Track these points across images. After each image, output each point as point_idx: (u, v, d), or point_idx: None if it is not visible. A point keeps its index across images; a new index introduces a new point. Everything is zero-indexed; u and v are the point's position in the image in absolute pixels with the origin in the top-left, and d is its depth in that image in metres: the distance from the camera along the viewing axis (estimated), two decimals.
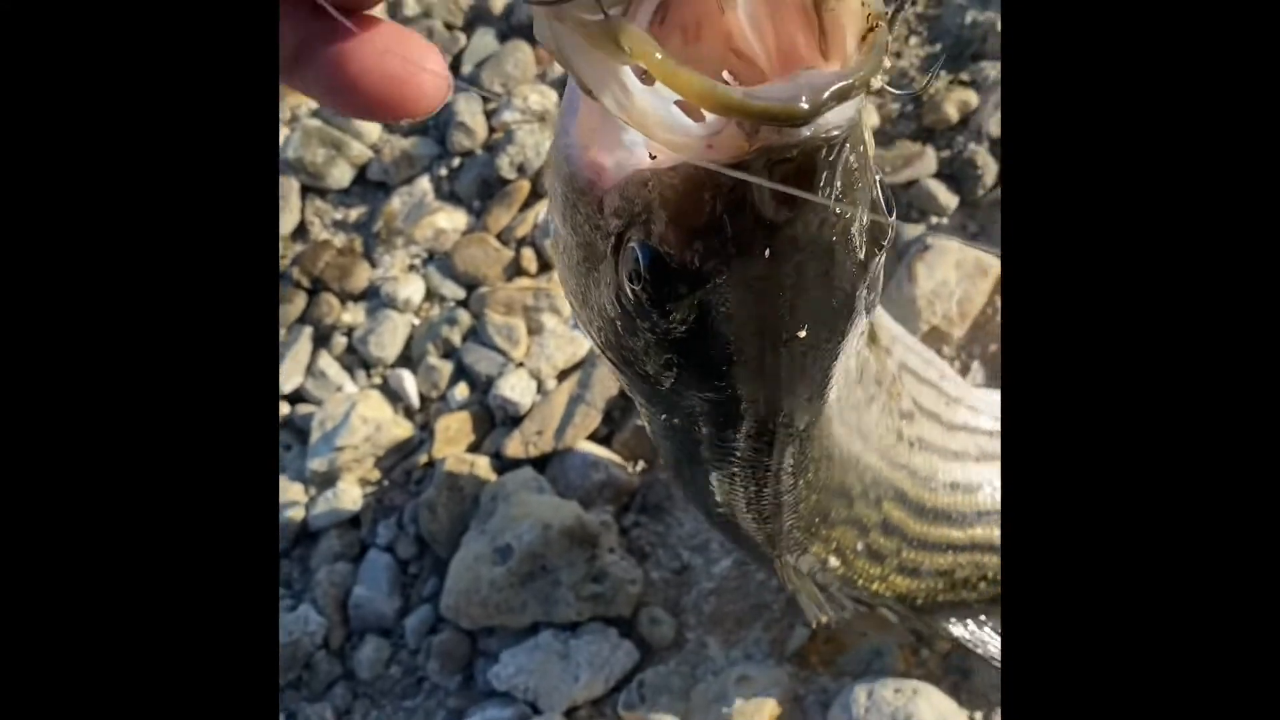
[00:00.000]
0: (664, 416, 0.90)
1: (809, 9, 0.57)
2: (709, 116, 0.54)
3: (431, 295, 1.65)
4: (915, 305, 1.39)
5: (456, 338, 1.59)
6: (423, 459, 1.52)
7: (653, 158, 0.59)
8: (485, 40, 1.80)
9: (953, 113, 1.53)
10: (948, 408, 1.15)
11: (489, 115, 1.75)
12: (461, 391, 1.55)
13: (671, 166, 0.58)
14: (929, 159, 1.52)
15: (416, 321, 1.65)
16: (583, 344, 1.55)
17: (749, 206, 0.59)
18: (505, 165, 1.66)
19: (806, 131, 0.54)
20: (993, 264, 1.40)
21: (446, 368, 1.57)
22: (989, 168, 1.48)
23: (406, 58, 0.51)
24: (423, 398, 1.58)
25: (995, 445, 1.16)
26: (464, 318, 1.60)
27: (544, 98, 1.72)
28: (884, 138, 1.56)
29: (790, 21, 0.57)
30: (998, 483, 1.16)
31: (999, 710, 1.18)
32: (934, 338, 1.40)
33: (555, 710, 1.30)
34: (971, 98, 1.53)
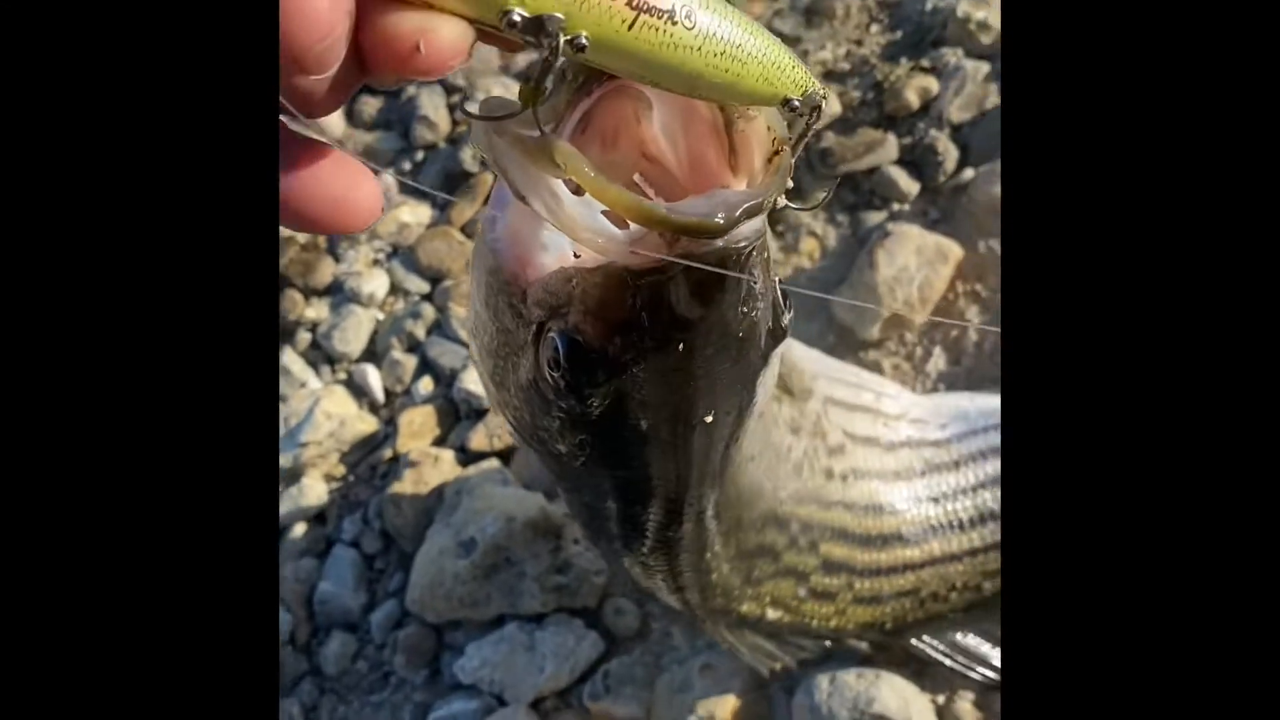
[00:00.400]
0: (576, 493, 0.95)
1: (719, 127, 0.63)
2: (633, 225, 0.59)
3: (395, 289, 1.65)
4: (876, 292, 1.39)
5: (420, 331, 1.58)
6: (387, 453, 1.51)
7: (576, 256, 0.64)
8: None
9: (914, 99, 1.53)
10: (886, 428, 1.15)
11: (451, 109, 1.74)
12: (426, 385, 1.54)
13: (595, 266, 0.63)
14: (890, 146, 1.52)
15: (381, 316, 1.64)
16: None
17: (666, 305, 0.64)
18: (468, 158, 1.66)
19: (720, 242, 0.60)
20: (952, 249, 1.40)
21: (411, 362, 1.57)
22: (949, 154, 1.48)
23: (347, 185, 0.53)
24: (387, 392, 1.57)
25: (946, 453, 1.16)
26: (428, 311, 1.60)
27: (507, 90, 1.71)
28: (845, 125, 1.56)
29: (701, 136, 0.64)
30: (950, 492, 1.16)
31: (960, 695, 1.18)
32: (895, 323, 1.40)
33: (521, 702, 1.29)
34: (932, 84, 1.53)
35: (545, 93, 0.54)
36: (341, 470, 1.53)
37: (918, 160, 1.50)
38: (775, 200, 0.61)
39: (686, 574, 1.01)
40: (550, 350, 0.69)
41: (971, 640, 1.19)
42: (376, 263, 1.67)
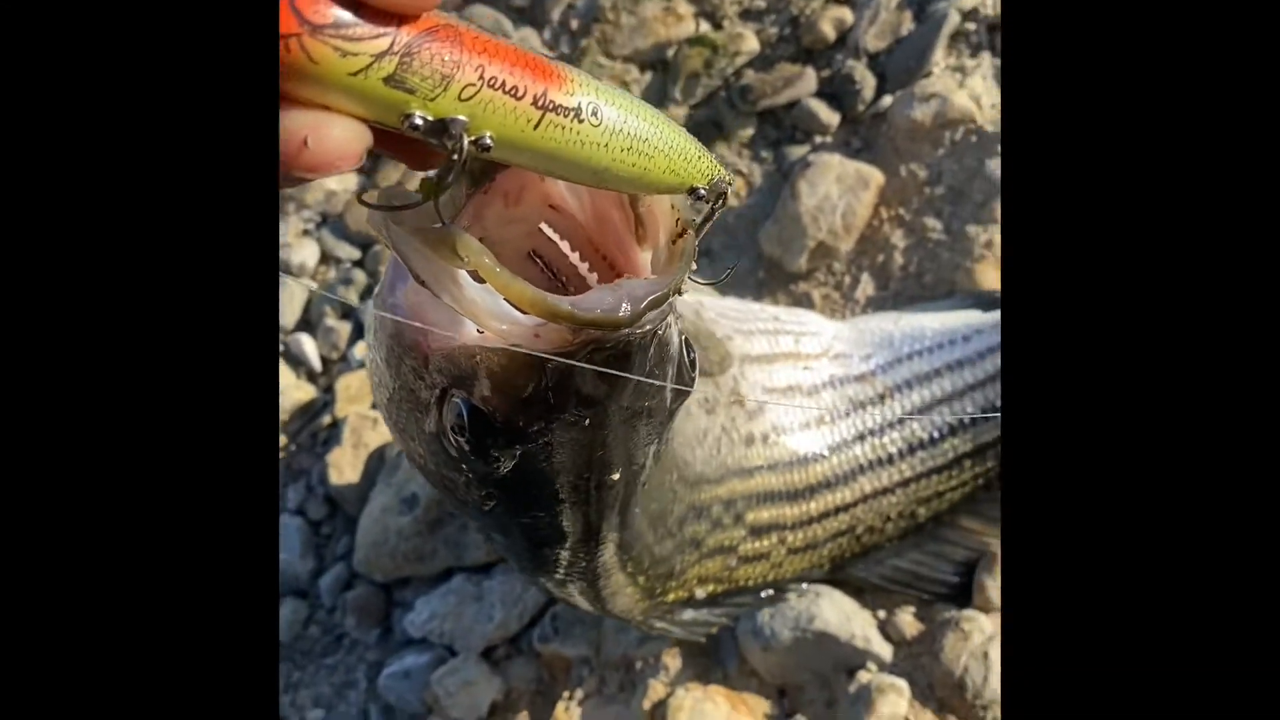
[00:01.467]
0: (483, 530, 0.97)
1: (624, 202, 0.66)
2: None
3: (326, 258, 1.64)
4: (800, 223, 1.39)
5: (354, 297, 1.58)
6: (327, 420, 1.51)
7: (480, 331, 0.64)
8: None
9: (829, 31, 1.53)
10: (808, 371, 1.14)
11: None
12: (361, 350, 1.54)
13: (500, 347, 0.63)
14: (809, 79, 1.52)
15: (314, 285, 1.63)
16: None
17: (571, 385, 0.65)
18: None
19: (624, 331, 0.62)
20: (873, 174, 1.41)
21: (345, 328, 1.56)
22: (867, 82, 1.48)
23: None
24: (324, 360, 1.57)
25: (871, 387, 1.15)
26: (360, 277, 1.59)
27: None
28: (764, 62, 1.56)
29: (606, 198, 0.67)
30: (876, 427, 1.15)
31: (901, 609, 1.20)
32: (821, 253, 1.41)
33: (473, 650, 1.30)
34: (847, 15, 1.54)
35: (447, 187, 0.53)
36: (283, 440, 1.53)
37: (836, 91, 1.51)
38: (680, 287, 0.62)
39: (603, 594, 1.01)
40: (454, 416, 0.70)
41: (908, 563, 1.20)
42: (306, 233, 1.66)
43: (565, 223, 0.73)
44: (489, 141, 0.50)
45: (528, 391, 0.66)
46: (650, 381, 0.68)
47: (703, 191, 0.59)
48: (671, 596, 1.09)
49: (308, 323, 1.60)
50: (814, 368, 1.15)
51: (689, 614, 1.14)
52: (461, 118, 0.48)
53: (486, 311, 0.61)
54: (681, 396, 0.76)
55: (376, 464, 1.44)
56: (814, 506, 1.11)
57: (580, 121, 0.52)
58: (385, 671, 1.32)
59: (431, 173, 0.55)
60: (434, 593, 1.34)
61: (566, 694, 1.26)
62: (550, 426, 0.69)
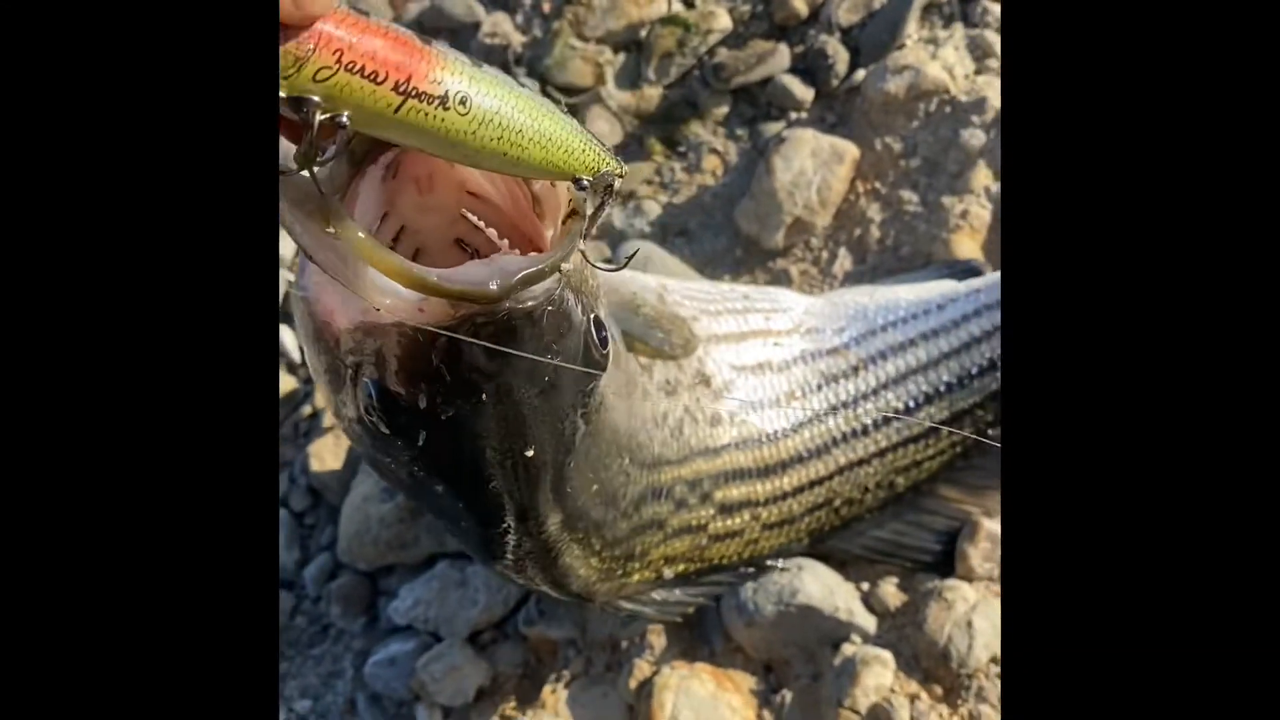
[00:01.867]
0: (431, 513, 0.98)
1: (521, 181, 0.69)
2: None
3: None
4: (776, 199, 1.39)
5: None
6: (307, 410, 1.50)
7: (377, 310, 0.65)
8: None
9: (802, 7, 1.53)
10: (779, 348, 1.14)
11: None
12: None
13: (391, 324, 0.65)
14: (782, 55, 1.51)
15: (291, 276, 1.62)
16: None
17: (464, 360, 0.67)
18: None
19: (505, 303, 0.64)
20: (848, 149, 1.40)
21: None
22: (840, 57, 1.48)
23: None
24: (302, 350, 1.56)
25: (844, 360, 1.15)
26: None
27: None
28: (737, 39, 1.55)
29: (508, 179, 0.70)
30: (849, 399, 1.14)
31: (885, 580, 1.20)
32: (798, 229, 1.40)
33: (457, 636, 1.29)
34: None
35: (320, 155, 0.57)
36: None
37: (810, 67, 1.50)
38: (560, 265, 0.65)
39: (558, 576, 1.01)
40: (365, 396, 0.72)
41: (889, 533, 1.20)
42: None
43: (487, 208, 0.75)
44: (345, 120, 0.54)
45: (423, 367, 0.67)
46: (543, 360, 0.70)
47: (585, 183, 0.63)
48: (636, 577, 1.09)
49: (286, 314, 1.60)
50: (784, 343, 1.14)
51: (660, 594, 1.14)
52: (313, 97, 0.53)
53: (372, 285, 0.62)
54: (592, 375, 0.78)
55: (358, 452, 1.43)
56: (787, 481, 1.11)
57: (445, 109, 0.56)
58: (371, 660, 1.32)
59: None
60: (418, 580, 1.33)
61: (553, 676, 1.26)
62: (452, 402, 0.70)
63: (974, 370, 1.15)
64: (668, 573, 1.11)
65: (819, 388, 1.15)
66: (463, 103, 0.56)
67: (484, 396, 0.70)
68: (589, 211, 0.65)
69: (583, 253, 0.69)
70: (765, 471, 1.11)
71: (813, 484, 1.13)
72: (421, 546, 1.34)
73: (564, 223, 0.68)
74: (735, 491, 1.10)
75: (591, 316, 0.76)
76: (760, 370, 1.14)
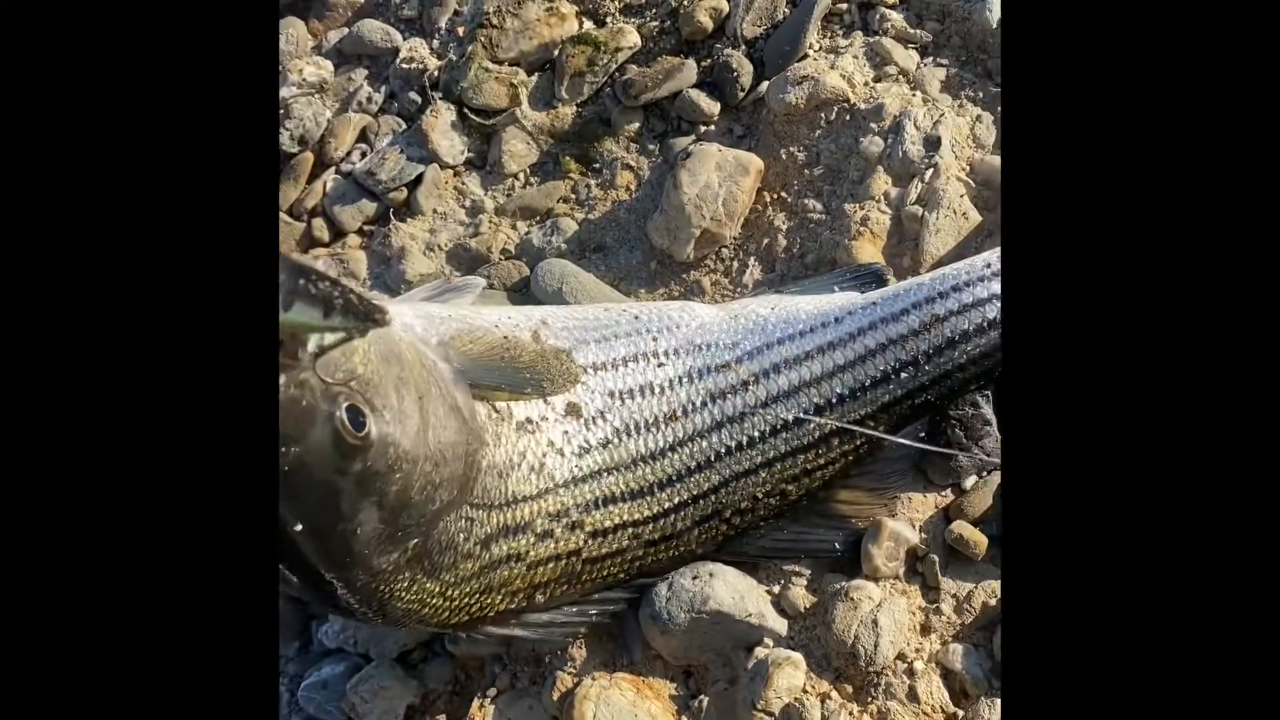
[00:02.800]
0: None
1: None
2: None
3: None
4: (685, 212, 1.42)
5: None
6: None
7: None
8: None
9: (707, 21, 1.55)
10: (660, 369, 1.17)
11: None
12: None
13: None
14: (689, 70, 1.54)
15: None
16: None
17: None
18: (286, 139, 1.66)
19: None
20: (752, 160, 1.43)
21: None
22: (745, 69, 1.51)
23: None
24: None
25: (734, 374, 1.17)
26: None
27: (319, 68, 1.71)
28: (645, 55, 1.58)
29: None
30: (735, 414, 1.17)
31: (793, 581, 1.23)
32: (707, 241, 1.43)
33: (386, 656, 1.32)
34: (723, 4, 1.56)
35: None
36: None
37: (717, 80, 1.53)
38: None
39: (400, 616, 1.07)
40: None
41: (789, 535, 1.22)
42: None
43: None
44: None
45: None
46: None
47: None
48: (501, 605, 1.12)
49: None
50: (668, 363, 1.17)
51: (545, 616, 1.16)
52: None
53: None
54: (353, 456, 0.90)
55: None
56: (666, 498, 1.14)
57: None
58: (304, 683, 1.34)
59: None
60: None
61: (481, 692, 1.28)
62: None
63: (867, 382, 1.18)
64: (539, 598, 1.13)
65: (703, 405, 1.17)
66: None
67: None
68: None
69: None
70: (642, 492, 1.13)
71: (696, 499, 1.16)
72: None
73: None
74: (609, 518, 1.12)
75: (344, 405, 0.87)
76: (640, 394, 1.16)
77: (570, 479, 1.09)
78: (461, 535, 1.03)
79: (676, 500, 1.14)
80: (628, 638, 1.26)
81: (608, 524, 1.11)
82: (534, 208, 1.56)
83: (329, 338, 0.84)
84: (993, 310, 1.17)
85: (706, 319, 1.22)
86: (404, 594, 1.03)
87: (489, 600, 1.10)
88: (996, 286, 1.17)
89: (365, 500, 0.93)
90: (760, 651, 1.19)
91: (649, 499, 1.13)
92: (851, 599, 1.18)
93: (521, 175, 1.58)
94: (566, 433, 1.09)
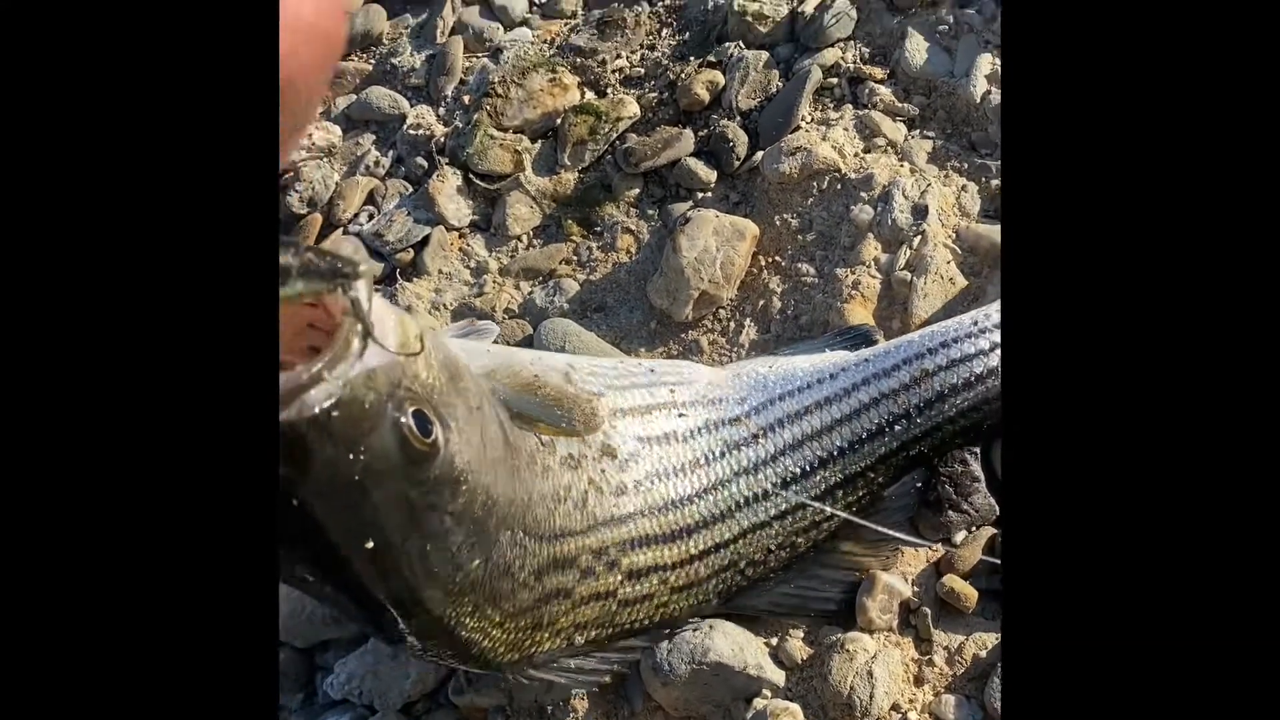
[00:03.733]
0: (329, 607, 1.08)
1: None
2: None
3: None
4: (684, 275, 1.48)
5: None
6: None
7: None
8: None
9: (703, 93, 1.63)
10: (681, 419, 1.21)
11: None
12: None
13: None
14: (687, 140, 1.61)
15: None
16: None
17: None
18: (296, 201, 1.71)
19: (283, 415, 0.70)
20: (748, 226, 1.50)
21: None
22: (740, 140, 1.58)
23: None
24: None
25: (745, 428, 1.22)
26: None
27: (328, 133, 1.78)
28: (645, 125, 1.65)
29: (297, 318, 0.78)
30: (750, 465, 1.21)
31: (790, 634, 1.26)
32: (705, 302, 1.49)
33: (391, 708, 1.34)
34: (719, 77, 1.64)
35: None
36: None
37: (713, 149, 1.60)
38: (328, 370, 0.73)
39: (459, 649, 1.07)
40: None
41: (794, 589, 1.26)
42: None
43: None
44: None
45: None
46: (343, 464, 0.78)
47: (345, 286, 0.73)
48: (547, 645, 1.14)
49: None
50: (688, 414, 1.22)
51: (574, 662, 1.19)
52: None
53: None
54: (418, 464, 0.85)
55: None
56: (693, 545, 1.18)
57: None
58: None
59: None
60: (352, 654, 1.38)
61: None
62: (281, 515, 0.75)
63: (864, 435, 1.23)
64: (579, 639, 1.17)
65: (721, 455, 1.22)
66: None
67: (294, 503, 0.77)
68: (363, 310, 0.73)
69: (374, 342, 0.77)
70: (671, 536, 1.17)
71: (717, 547, 1.20)
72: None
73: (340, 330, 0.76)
74: (642, 558, 1.16)
75: (410, 410, 0.83)
76: (665, 440, 1.21)
77: (610, 517, 1.12)
78: (517, 563, 1.03)
79: (700, 547, 1.18)
80: (628, 689, 1.29)
81: (641, 565, 1.15)
82: (537, 269, 1.61)
83: (382, 325, 0.79)
84: (980, 365, 1.23)
85: (711, 377, 1.28)
86: (468, 620, 1.02)
87: (538, 638, 1.12)
88: (983, 342, 1.24)
89: (434, 513, 0.90)
90: (759, 703, 1.23)
91: (676, 544, 1.17)
92: (847, 650, 1.22)
93: (525, 238, 1.64)
94: (604, 471, 1.13)
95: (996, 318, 1.25)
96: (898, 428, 1.23)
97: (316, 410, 0.73)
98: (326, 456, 0.75)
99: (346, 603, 0.95)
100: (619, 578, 1.15)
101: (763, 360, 1.35)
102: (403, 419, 0.82)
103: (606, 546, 1.13)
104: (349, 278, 0.72)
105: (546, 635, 1.13)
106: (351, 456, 0.77)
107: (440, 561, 0.94)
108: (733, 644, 1.24)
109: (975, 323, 1.26)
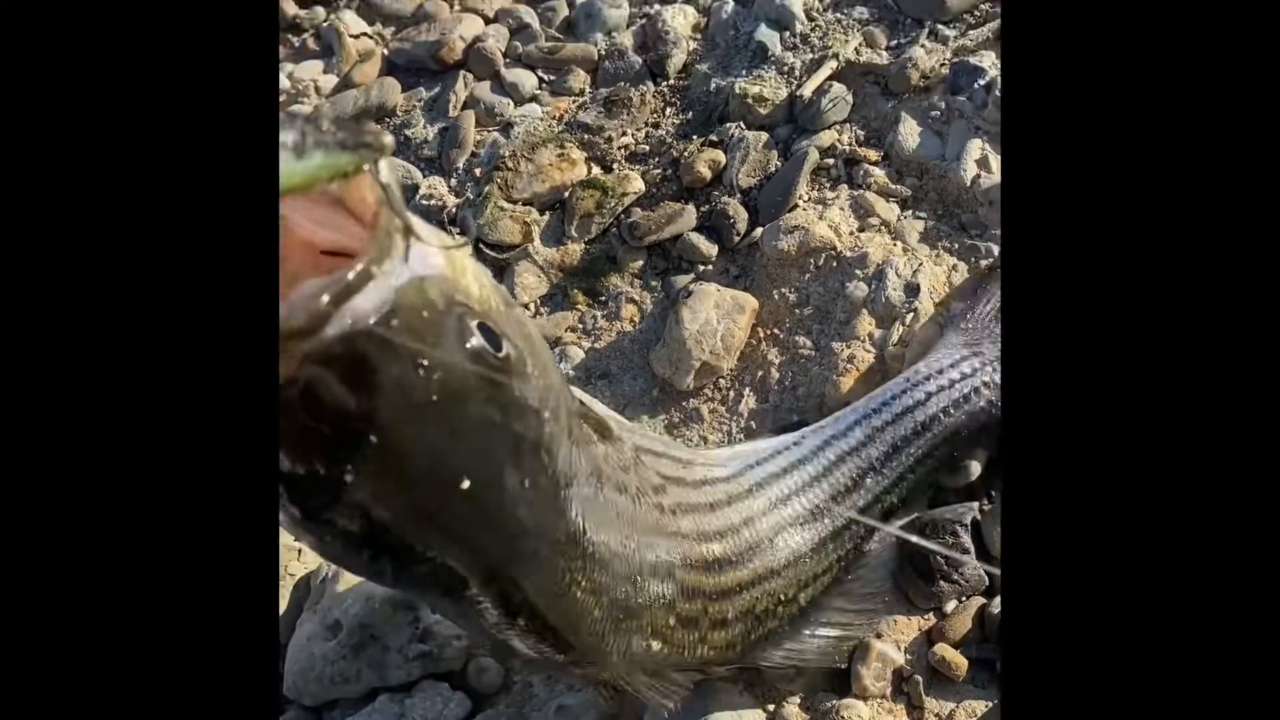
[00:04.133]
0: (403, 590, 0.88)
1: (335, 199, 0.62)
2: None
3: None
4: (686, 345, 1.54)
5: None
6: None
7: None
8: None
9: (705, 171, 1.70)
10: (686, 469, 1.25)
11: None
12: None
13: None
14: (689, 215, 1.68)
15: None
16: None
17: (329, 408, 0.59)
18: None
19: (331, 331, 0.57)
20: (748, 300, 1.56)
21: None
22: (740, 216, 1.65)
23: None
24: None
25: (738, 484, 1.27)
26: None
27: None
28: (650, 200, 1.73)
29: (328, 217, 0.63)
30: (752, 515, 1.25)
31: (788, 701, 1.30)
32: (706, 372, 1.55)
33: None
34: (720, 156, 1.71)
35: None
36: None
37: (715, 225, 1.67)
38: (374, 268, 0.59)
39: (562, 634, 0.99)
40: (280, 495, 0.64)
41: (797, 645, 1.30)
42: None
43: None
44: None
45: (298, 434, 0.59)
46: (415, 378, 0.62)
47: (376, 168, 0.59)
48: (635, 641, 1.05)
49: None
50: (690, 467, 1.27)
51: (646, 678, 1.16)
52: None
53: None
54: (500, 385, 0.69)
55: (303, 592, 1.53)
56: (723, 580, 1.18)
57: None
58: None
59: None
60: (359, 714, 1.42)
61: None
62: (346, 458, 0.62)
63: (842, 489, 1.29)
64: (654, 645, 1.12)
65: (728, 502, 1.24)
66: None
67: (373, 438, 0.62)
68: (397, 199, 0.60)
69: (414, 235, 0.63)
70: (706, 566, 1.16)
71: (739, 588, 1.20)
72: (363, 680, 1.43)
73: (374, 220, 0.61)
74: (689, 577, 1.14)
75: (475, 322, 0.68)
76: (680, 483, 1.21)
77: (656, 529, 1.10)
78: (632, 557, 0.94)
79: (727, 585, 1.18)
80: None
81: (689, 583, 1.14)
82: (544, 336, 1.67)
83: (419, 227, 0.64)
84: (922, 415, 1.32)
85: (720, 453, 1.33)
86: (574, 586, 0.87)
87: (628, 628, 1.01)
88: (920, 394, 1.33)
89: (525, 443, 0.73)
90: None
91: (711, 574, 1.16)
92: (842, 717, 1.26)
93: (532, 305, 1.71)
94: (644, 488, 1.11)
95: (925, 371, 1.35)
96: (869, 480, 1.29)
97: (374, 319, 0.59)
98: (394, 375, 0.61)
99: (426, 577, 0.77)
100: (674, 588, 1.11)
101: (749, 444, 1.40)
102: (468, 330, 0.67)
103: (660, 554, 1.08)
104: (378, 151, 0.57)
105: (630, 627, 1.01)
106: (422, 373, 0.62)
107: (543, 504, 0.79)
108: (730, 710, 1.28)
109: (908, 379, 1.35)
